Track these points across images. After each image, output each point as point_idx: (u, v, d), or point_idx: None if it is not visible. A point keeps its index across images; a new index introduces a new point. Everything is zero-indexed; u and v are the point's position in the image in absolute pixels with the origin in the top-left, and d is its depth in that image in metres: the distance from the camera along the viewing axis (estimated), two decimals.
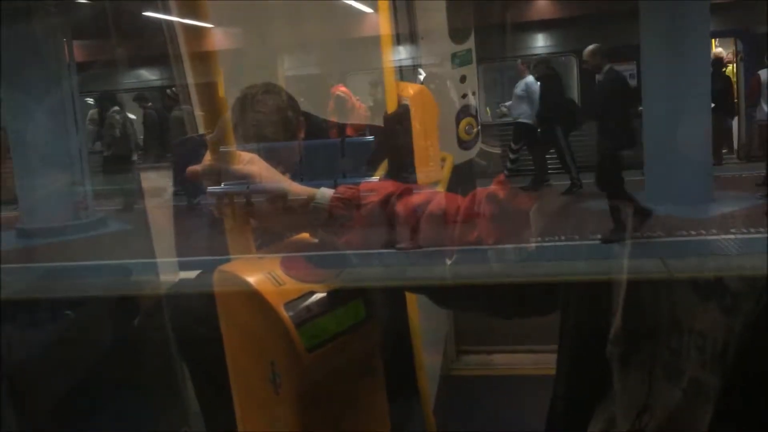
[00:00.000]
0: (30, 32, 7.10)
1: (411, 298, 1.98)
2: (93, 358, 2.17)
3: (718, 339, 0.81)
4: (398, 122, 2.11)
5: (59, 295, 2.03)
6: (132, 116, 9.77)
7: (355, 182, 0.96)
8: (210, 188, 0.95)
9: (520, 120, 7.96)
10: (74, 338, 2.22)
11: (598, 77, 6.77)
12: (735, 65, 9.26)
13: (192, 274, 1.62)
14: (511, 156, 8.17)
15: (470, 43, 2.67)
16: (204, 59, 0.93)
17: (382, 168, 2.21)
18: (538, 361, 3.26)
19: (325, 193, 0.93)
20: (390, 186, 0.95)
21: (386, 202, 0.92)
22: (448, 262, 0.89)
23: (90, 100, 10.48)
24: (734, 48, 9.30)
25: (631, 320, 0.90)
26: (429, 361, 2.31)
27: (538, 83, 7.70)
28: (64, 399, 2.08)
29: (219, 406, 1.15)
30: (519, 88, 8.03)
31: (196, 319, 1.50)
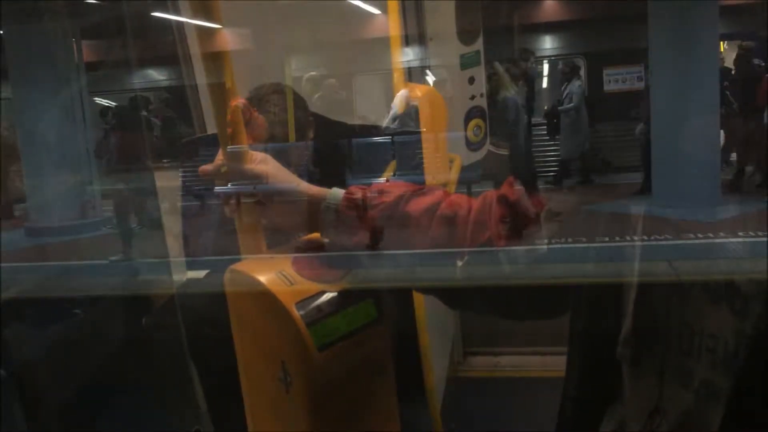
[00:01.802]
0: (39, 32, 7.12)
1: (419, 300, 1.98)
2: (101, 358, 2.17)
3: (729, 340, 0.81)
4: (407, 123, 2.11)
5: (67, 294, 2.03)
6: None
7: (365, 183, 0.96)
8: (221, 188, 0.95)
9: None
10: (81, 337, 2.22)
11: None
12: None
13: (200, 274, 1.62)
14: None
15: (478, 45, 2.67)
16: (216, 59, 0.94)
17: (391, 169, 2.21)
18: (545, 363, 3.25)
19: (337, 193, 0.94)
20: (401, 187, 0.95)
21: (397, 202, 0.92)
22: (460, 263, 0.89)
23: None
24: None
25: (642, 322, 0.89)
26: (436, 362, 2.31)
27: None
28: (73, 398, 2.08)
29: (229, 406, 1.16)
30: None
31: (205, 319, 1.50)
